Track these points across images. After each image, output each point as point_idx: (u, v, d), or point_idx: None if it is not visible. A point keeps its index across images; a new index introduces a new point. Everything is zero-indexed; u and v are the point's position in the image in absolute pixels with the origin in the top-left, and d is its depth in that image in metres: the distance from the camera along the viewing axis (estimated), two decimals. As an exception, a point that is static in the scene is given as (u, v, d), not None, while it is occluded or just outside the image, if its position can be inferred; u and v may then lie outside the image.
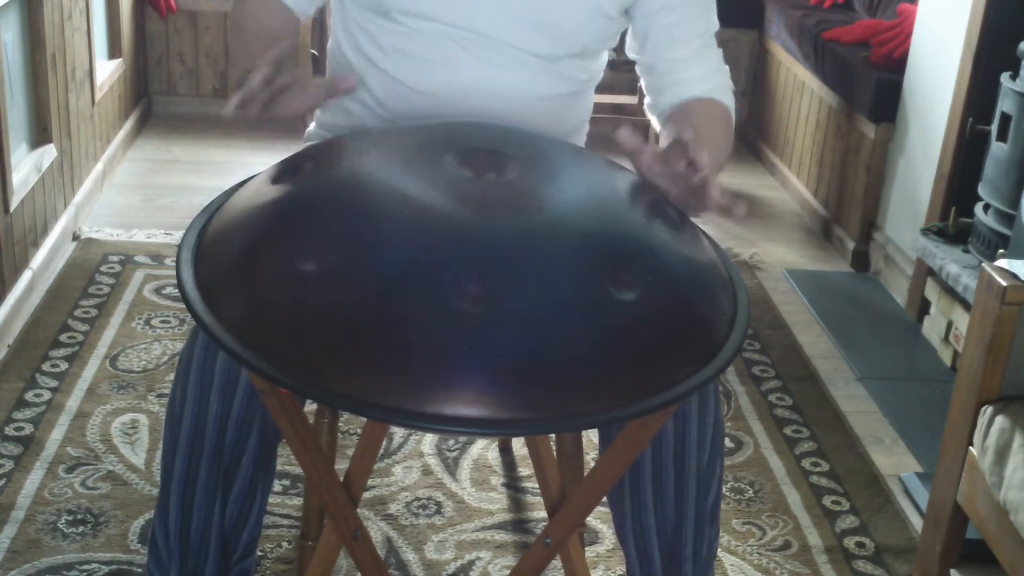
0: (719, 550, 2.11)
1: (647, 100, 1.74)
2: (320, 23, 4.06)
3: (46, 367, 2.53)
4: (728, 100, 1.69)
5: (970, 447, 1.87)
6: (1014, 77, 2.60)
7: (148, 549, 1.57)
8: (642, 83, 1.74)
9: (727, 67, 1.72)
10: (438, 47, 1.61)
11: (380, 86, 1.66)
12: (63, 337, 2.66)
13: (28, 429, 2.30)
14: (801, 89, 4.04)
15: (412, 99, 1.64)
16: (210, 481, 1.49)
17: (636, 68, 1.75)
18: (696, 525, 1.49)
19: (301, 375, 1.10)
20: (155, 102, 4.37)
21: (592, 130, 1.85)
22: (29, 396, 2.41)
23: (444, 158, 1.29)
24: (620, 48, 1.77)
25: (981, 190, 2.72)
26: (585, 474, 1.61)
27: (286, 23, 1.66)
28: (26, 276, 2.77)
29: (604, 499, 1.48)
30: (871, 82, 3.39)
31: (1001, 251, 2.46)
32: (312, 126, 1.84)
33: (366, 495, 2.17)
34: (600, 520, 2.14)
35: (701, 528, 1.50)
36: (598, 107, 1.80)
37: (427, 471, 2.28)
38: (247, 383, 1.46)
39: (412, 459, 2.31)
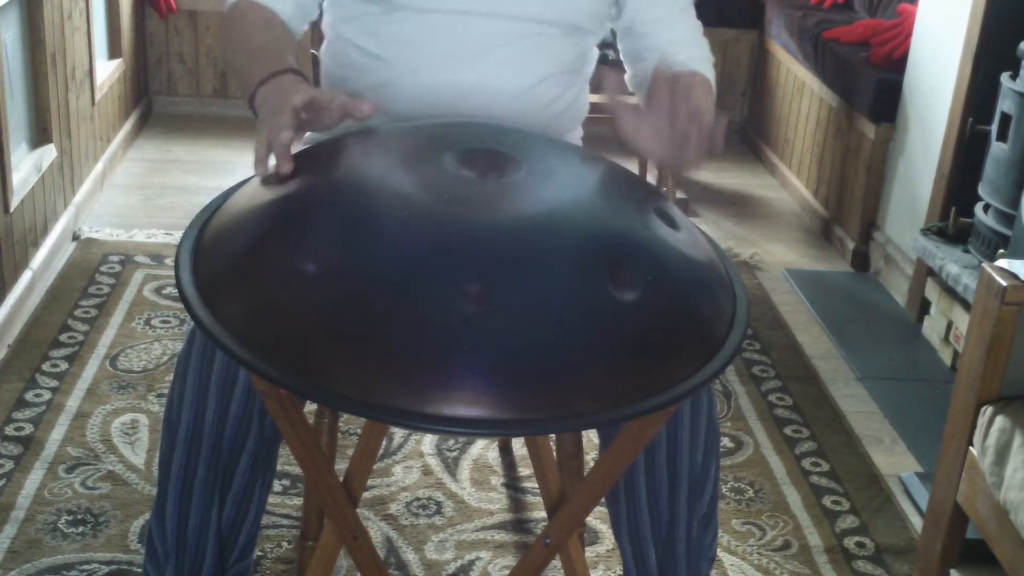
0: (719, 550, 2.11)
1: (627, 72, 1.72)
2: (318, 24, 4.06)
3: (46, 367, 2.53)
4: (709, 72, 1.65)
5: (970, 447, 1.87)
6: (1014, 77, 2.60)
7: (145, 549, 1.57)
8: (620, 53, 1.73)
9: (707, 41, 1.70)
10: (430, 29, 1.61)
11: (378, 79, 1.65)
12: (63, 337, 2.66)
13: (28, 429, 2.30)
14: (801, 89, 4.04)
15: (409, 86, 1.63)
16: (208, 481, 1.49)
17: (616, 38, 1.73)
18: (689, 525, 1.49)
19: (301, 375, 1.10)
20: (155, 102, 4.37)
21: (591, 129, 1.84)
22: (29, 396, 2.41)
23: (443, 158, 1.29)
24: (616, 48, 1.77)
25: (981, 190, 2.72)
26: (585, 474, 1.61)
27: (280, 40, 1.59)
28: (26, 276, 2.77)
29: (603, 499, 1.48)
30: (871, 82, 3.39)
31: (1001, 251, 2.46)
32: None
33: (366, 495, 2.17)
34: (600, 520, 2.14)
35: (694, 528, 1.50)
36: (595, 107, 1.80)
37: (427, 471, 2.28)
38: (245, 383, 1.46)
39: (412, 459, 2.31)
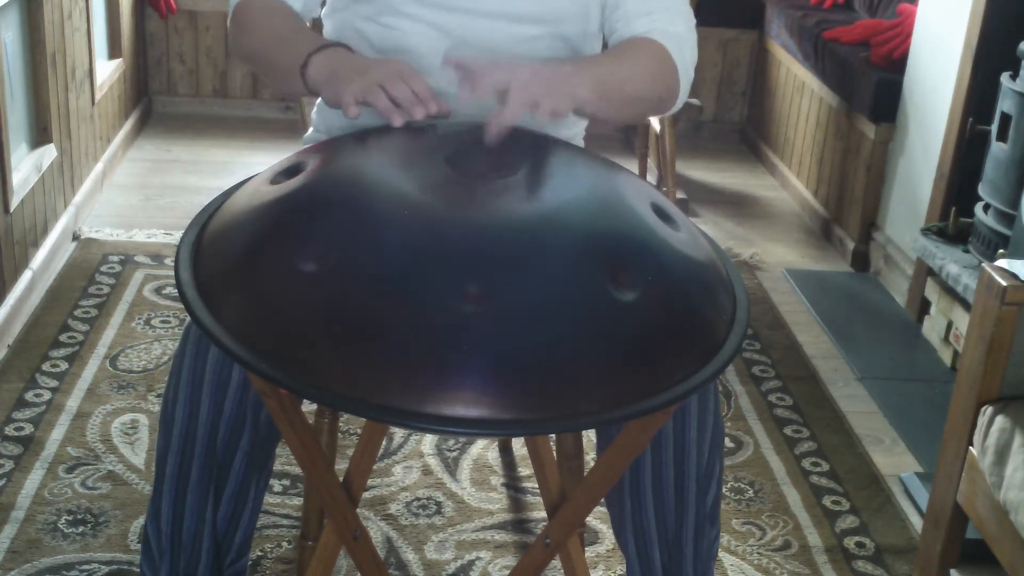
0: (719, 550, 2.11)
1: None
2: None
3: (46, 367, 2.53)
4: (667, 41, 1.61)
5: (970, 447, 1.87)
6: (1014, 77, 2.60)
7: (141, 549, 1.58)
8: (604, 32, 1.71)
9: (684, 15, 1.66)
10: (425, 35, 1.61)
11: None
12: (63, 337, 2.66)
13: (28, 429, 2.30)
14: (801, 89, 4.03)
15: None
16: (202, 481, 1.49)
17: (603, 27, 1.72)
18: (696, 525, 1.49)
19: (301, 375, 1.10)
20: (155, 102, 4.37)
21: (591, 129, 1.84)
22: (29, 396, 2.41)
23: (443, 158, 1.29)
24: None
25: (981, 190, 2.72)
26: (585, 474, 1.61)
27: (296, 28, 1.62)
28: (26, 276, 2.77)
29: (603, 499, 1.48)
30: (871, 82, 3.39)
31: (1001, 251, 2.46)
32: (310, 130, 1.83)
33: (366, 495, 2.17)
34: (600, 520, 2.14)
35: (701, 528, 1.50)
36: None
37: (427, 471, 2.28)
38: (238, 383, 1.46)
39: (412, 459, 2.31)
